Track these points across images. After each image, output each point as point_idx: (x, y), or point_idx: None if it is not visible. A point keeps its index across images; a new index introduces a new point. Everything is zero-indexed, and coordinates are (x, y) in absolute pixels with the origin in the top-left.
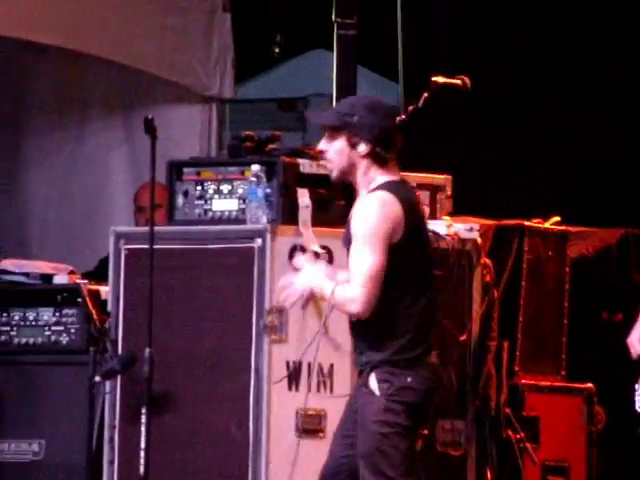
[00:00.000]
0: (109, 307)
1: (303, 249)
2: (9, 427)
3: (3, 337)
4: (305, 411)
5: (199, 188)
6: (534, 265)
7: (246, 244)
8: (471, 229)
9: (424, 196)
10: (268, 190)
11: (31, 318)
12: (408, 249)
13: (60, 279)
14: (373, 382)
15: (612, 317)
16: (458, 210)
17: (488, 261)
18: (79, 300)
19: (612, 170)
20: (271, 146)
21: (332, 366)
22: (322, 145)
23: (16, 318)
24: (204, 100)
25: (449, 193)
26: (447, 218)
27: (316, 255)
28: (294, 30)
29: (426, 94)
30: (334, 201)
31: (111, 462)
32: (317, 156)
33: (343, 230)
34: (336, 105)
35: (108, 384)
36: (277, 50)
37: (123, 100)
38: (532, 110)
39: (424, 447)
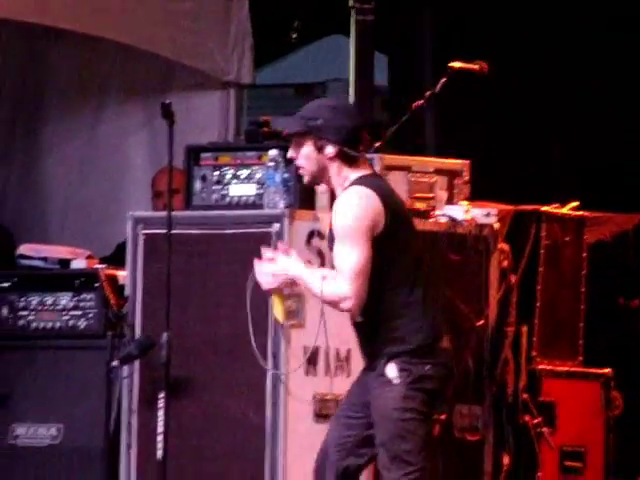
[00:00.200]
0: (127, 292)
1: (320, 234)
2: (27, 411)
3: (21, 322)
4: (322, 396)
5: (217, 173)
6: (551, 250)
7: (264, 229)
8: (488, 214)
9: (442, 181)
10: (286, 175)
11: (49, 303)
12: (393, 239)
13: (78, 264)
14: (392, 371)
15: (629, 302)
16: (476, 195)
17: (505, 246)
18: (97, 285)
19: (630, 155)
20: None
21: (349, 351)
22: (290, 153)
23: (34, 303)
24: (222, 86)
25: (467, 178)
26: (465, 203)
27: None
28: (312, 15)
29: (444, 79)
30: None
31: (129, 446)
32: None
33: None
34: (299, 111)
35: (126, 369)
36: (294, 35)
37: (142, 86)
38: (550, 95)
39: (441, 432)
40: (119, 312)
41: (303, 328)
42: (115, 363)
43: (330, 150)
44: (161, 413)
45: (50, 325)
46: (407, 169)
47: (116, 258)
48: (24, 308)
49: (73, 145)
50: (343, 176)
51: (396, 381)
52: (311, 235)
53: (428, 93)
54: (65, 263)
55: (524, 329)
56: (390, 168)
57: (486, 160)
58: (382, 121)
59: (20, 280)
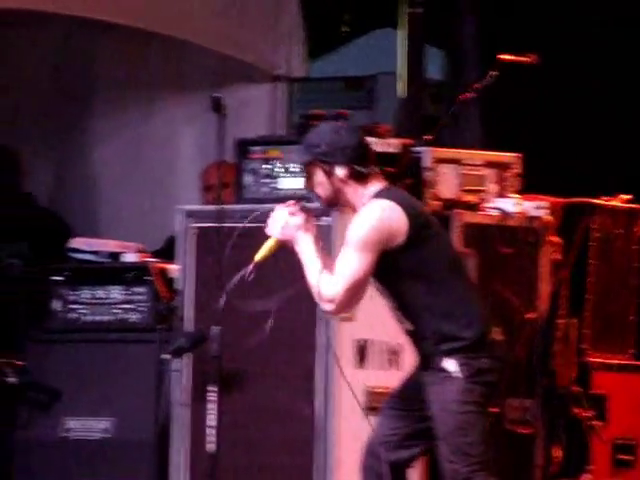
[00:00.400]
0: (177, 285)
1: None
2: (79, 405)
3: (73, 315)
4: (373, 389)
5: (267, 166)
6: (603, 243)
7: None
8: (539, 207)
9: (492, 174)
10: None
11: (100, 296)
12: (421, 245)
13: (129, 257)
14: (451, 366)
15: None
16: (527, 188)
17: (557, 239)
18: (147, 278)
19: None
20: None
21: (399, 344)
22: (305, 184)
23: (85, 296)
24: (272, 79)
25: (517, 171)
26: (516, 196)
27: (304, 209)
28: (362, 8)
29: (494, 71)
30: (401, 179)
31: (179, 439)
32: (385, 134)
33: None
34: (304, 141)
35: (176, 362)
36: (345, 29)
37: (192, 80)
38: (602, 86)
39: (493, 425)
40: (170, 305)
41: (353, 321)
42: (166, 356)
43: (339, 172)
44: (212, 406)
45: (101, 319)
46: (457, 162)
47: (166, 251)
48: (75, 302)
49: (123, 139)
50: (360, 194)
51: (456, 375)
52: None
53: (478, 85)
54: (116, 257)
55: (574, 322)
56: (440, 161)
57: (537, 153)
58: (432, 114)
59: (72, 274)
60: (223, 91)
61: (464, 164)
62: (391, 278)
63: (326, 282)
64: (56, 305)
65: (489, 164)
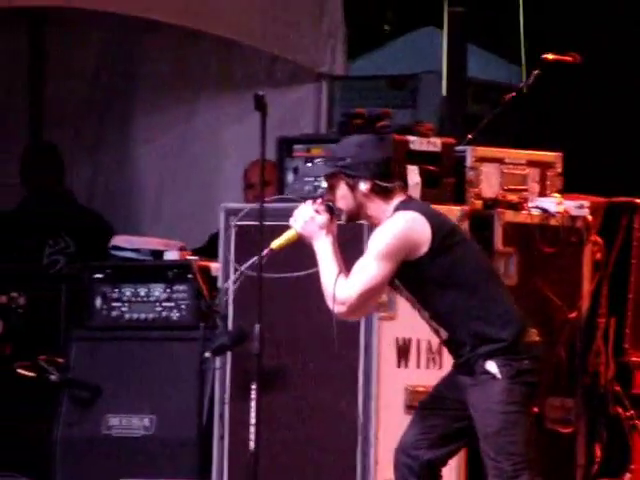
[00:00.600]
0: (219, 283)
1: None
2: (121, 402)
3: (115, 313)
4: (414, 387)
5: (309, 165)
6: None
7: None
8: (581, 206)
9: (534, 173)
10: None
11: (142, 294)
12: (447, 253)
13: (171, 255)
14: (492, 367)
15: None
16: (568, 187)
17: (599, 239)
18: (189, 276)
19: None
20: (381, 123)
21: (440, 343)
22: (327, 196)
23: (127, 294)
24: (315, 77)
25: (559, 170)
26: (557, 195)
27: (330, 210)
28: (405, 7)
29: (537, 71)
30: (444, 178)
31: (221, 437)
32: (427, 133)
33: (453, 207)
34: (328, 153)
35: (218, 360)
36: (388, 27)
37: (236, 78)
38: None
39: (534, 425)
40: (212, 303)
41: (395, 320)
42: (207, 354)
43: (364, 186)
44: (253, 404)
45: (143, 316)
46: (499, 161)
47: (208, 250)
48: (117, 299)
49: (166, 137)
50: (382, 210)
51: (497, 376)
52: None
53: (521, 85)
54: (158, 254)
55: (613, 321)
56: (482, 160)
57: (579, 152)
58: (475, 113)
59: (113, 271)
60: (267, 90)
61: (506, 163)
62: (422, 288)
63: (341, 284)
64: (98, 303)
65: (531, 163)
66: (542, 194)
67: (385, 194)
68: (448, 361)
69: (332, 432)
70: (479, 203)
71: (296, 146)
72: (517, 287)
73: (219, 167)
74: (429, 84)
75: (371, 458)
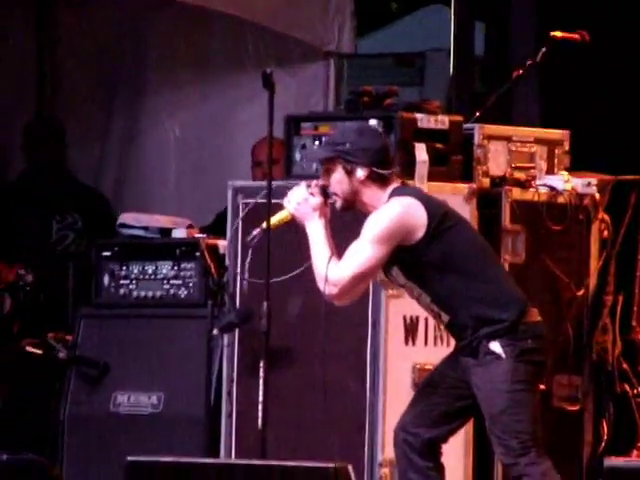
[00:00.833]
0: (227, 261)
1: None
2: (128, 380)
3: (122, 290)
4: (422, 365)
5: (317, 143)
6: None
7: None
8: (589, 184)
9: (542, 151)
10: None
11: (150, 272)
12: (444, 236)
13: (178, 233)
14: (496, 348)
15: None
16: (576, 165)
17: (606, 216)
18: (197, 254)
19: None
20: (388, 101)
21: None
22: (321, 181)
23: (135, 272)
24: (323, 55)
25: (567, 148)
26: (565, 173)
27: (324, 192)
28: None
29: (545, 49)
30: (451, 156)
31: (229, 415)
32: (435, 111)
33: (460, 185)
34: (326, 138)
35: (226, 338)
36: (395, 5)
37: (245, 57)
38: None
39: (541, 402)
40: (220, 281)
41: (402, 298)
42: (215, 332)
43: (361, 173)
44: (261, 382)
45: (151, 294)
46: (507, 139)
47: (216, 227)
48: (125, 277)
49: (177, 117)
50: (377, 197)
51: (501, 356)
52: None
53: (529, 62)
54: (166, 232)
55: (620, 298)
56: (490, 138)
57: (587, 130)
58: (482, 91)
59: (121, 249)
60: (278, 69)
61: (514, 141)
62: (421, 273)
63: (333, 266)
64: (105, 281)
65: (539, 141)
66: (550, 172)
67: (381, 181)
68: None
69: (340, 410)
70: (487, 181)
71: (304, 124)
72: (524, 265)
73: (231, 146)
74: (437, 62)
75: (379, 435)
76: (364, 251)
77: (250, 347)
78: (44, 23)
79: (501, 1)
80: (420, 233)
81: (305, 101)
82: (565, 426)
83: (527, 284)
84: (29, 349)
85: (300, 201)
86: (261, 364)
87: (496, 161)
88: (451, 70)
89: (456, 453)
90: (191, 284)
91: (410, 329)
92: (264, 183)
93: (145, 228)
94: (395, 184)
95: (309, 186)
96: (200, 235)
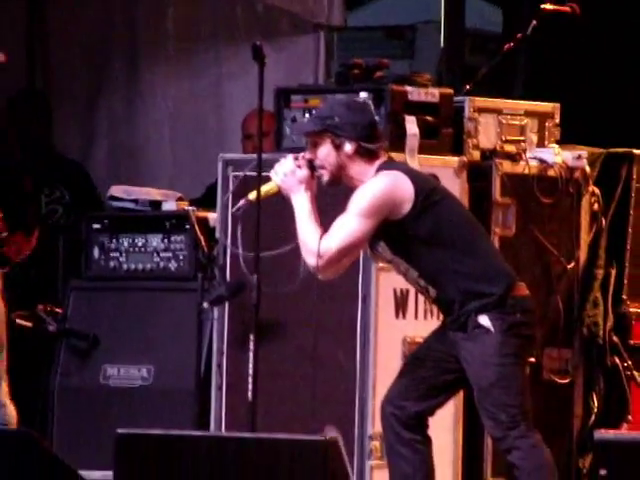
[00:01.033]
0: (217, 234)
1: None
2: (118, 352)
3: (112, 263)
4: (412, 338)
5: (307, 115)
6: None
7: None
8: (579, 157)
9: (532, 124)
10: (376, 118)
11: (140, 244)
12: (430, 211)
13: (168, 206)
14: (486, 321)
15: None
16: (566, 138)
17: (596, 189)
18: (187, 227)
19: None
20: (379, 74)
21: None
22: (308, 154)
23: (125, 244)
24: (313, 28)
25: (557, 121)
26: (555, 146)
27: (311, 165)
28: None
29: (535, 22)
30: (442, 129)
31: (219, 388)
32: (425, 84)
33: (451, 158)
34: (314, 112)
35: (216, 310)
36: None
37: (235, 30)
38: None
39: (531, 375)
40: (210, 254)
41: (392, 271)
42: (205, 305)
43: (349, 147)
44: (251, 355)
45: (141, 267)
46: (498, 112)
47: (206, 200)
48: (115, 250)
49: (169, 90)
50: (364, 171)
51: (492, 329)
52: None
53: (519, 35)
54: (156, 205)
55: (613, 271)
56: (481, 110)
57: (577, 103)
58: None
59: (111, 222)
60: (268, 42)
61: (504, 114)
62: (408, 247)
63: (319, 238)
64: (95, 253)
65: (529, 114)
66: (540, 145)
67: (369, 156)
68: None
69: (330, 382)
70: (477, 154)
71: (294, 97)
72: (515, 238)
73: (223, 119)
74: (427, 34)
75: (369, 408)
76: (351, 224)
77: (240, 320)
78: (34, 1)
79: None
80: (407, 207)
81: (295, 74)
82: (555, 399)
83: (517, 257)
84: (19, 322)
85: (287, 173)
86: (251, 337)
87: (486, 134)
88: (442, 43)
89: (446, 427)
90: (181, 257)
91: (400, 302)
92: (254, 156)
93: (135, 201)
94: (382, 159)
95: (296, 159)
96: (190, 208)
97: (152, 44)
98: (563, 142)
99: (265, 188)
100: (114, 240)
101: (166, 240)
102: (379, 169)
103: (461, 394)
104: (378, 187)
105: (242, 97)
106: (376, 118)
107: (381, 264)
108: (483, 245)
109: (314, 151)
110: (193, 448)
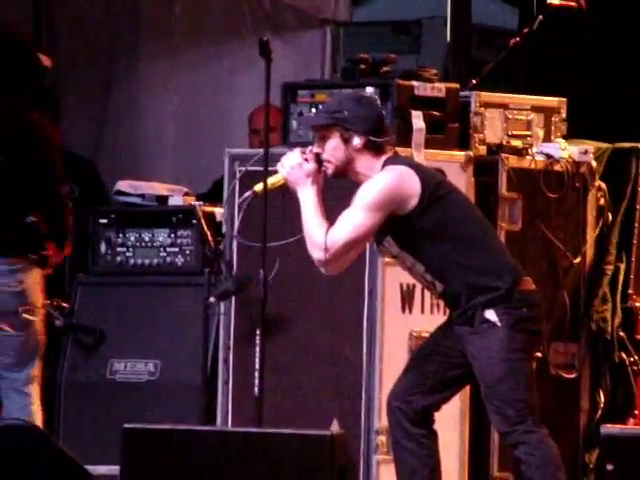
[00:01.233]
0: (224, 229)
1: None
2: (125, 347)
3: (119, 258)
4: (418, 333)
5: (314, 110)
6: None
7: None
8: (586, 152)
9: (539, 119)
10: (382, 112)
11: (147, 239)
12: (437, 205)
13: (175, 200)
14: (493, 316)
15: None
16: (573, 133)
17: (602, 184)
18: (194, 222)
19: None
20: (385, 68)
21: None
22: (316, 148)
23: (132, 239)
24: (320, 23)
25: (564, 116)
26: (561, 141)
27: (318, 159)
28: None
29: (540, 16)
30: (448, 124)
31: (226, 382)
32: (432, 79)
33: (457, 152)
34: (323, 106)
35: (223, 305)
36: None
37: (242, 26)
38: None
39: (537, 370)
40: (216, 249)
41: (399, 266)
42: (212, 300)
43: (357, 141)
44: (257, 350)
45: (147, 262)
46: (504, 106)
47: (213, 195)
48: (122, 244)
49: (174, 84)
50: (371, 165)
51: (497, 324)
52: None
53: (525, 30)
54: (162, 200)
55: (621, 266)
56: (487, 105)
57: (584, 97)
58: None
59: (118, 217)
60: (275, 37)
61: (511, 108)
62: (415, 243)
63: (325, 231)
64: (102, 248)
65: (535, 109)
66: (546, 139)
67: (376, 150)
68: None
69: (337, 377)
70: (483, 149)
71: (301, 92)
72: (521, 232)
73: (229, 113)
74: (433, 29)
75: (375, 403)
76: (357, 217)
77: (247, 315)
78: None
79: None
80: (414, 202)
81: (302, 69)
82: (561, 394)
83: (524, 252)
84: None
85: (294, 166)
86: (258, 332)
87: (493, 129)
88: (448, 37)
89: (452, 422)
90: (188, 252)
91: (407, 297)
92: (261, 151)
93: (142, 196)
94: (389, 154)
95: (304, 152)
96: (197, 202)
97: (157, 37)
98: (569, 137)
99: (271, 180)
100: (121, 235)
101: (173, 235)
102: (385, 164)
103: (467, 389)
104: (385, 181)
105: (247, 91)
106: (382, 113)
107: (387, 259)
108: (490, 239)
109: (322, 145)
110: (200, 443)
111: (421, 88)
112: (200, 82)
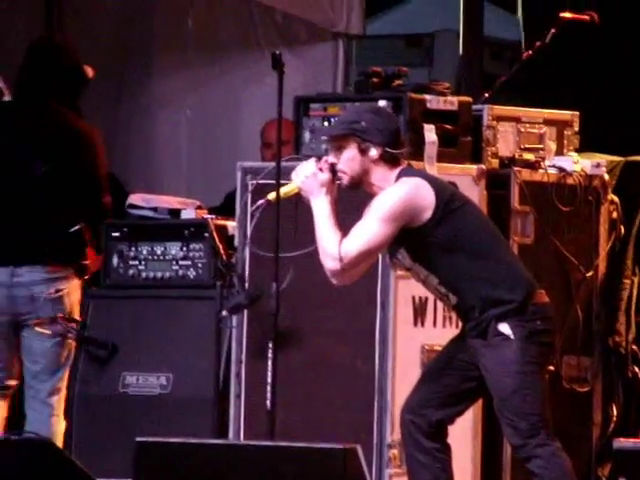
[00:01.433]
0: (236, 242)
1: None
2: (137, 361)
3: (131, 271)
4: (430, 346)
5: (326, 124)
6: None
7: None
8: (598, 165)
9: (551, 132)
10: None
11: (159, 253)
12: (450, 217)
13: (187, 214)
14: (505, 329)
15: None
16: (585, 146)
17: (615, 198)
18: (206, 235)
19: None
20: (398, 82)
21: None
22: (332, 158)
23: (144, 252)
24: (332, 37)
25: (576, 129)
26: (574, 154)
27: (333, 169)
28: None
29: (553, 30)
30: (460, 137)
31: (238, 396)
32: (444, 92)
33: (469, 166)
34: (340, 116)
35: (235, 318)
36: None
37: (254, 39)
38: None
39: (550, 383)
40: (228, 262)
41: (411, 279)
42: (224, 313)
43: (374, 152)
44: (270, 363)
45: (160, 275)
46: (516, 120)
47: (225, 208)
48: (134, 258)
49: (186, 98)
50: (386, 177)
51: (511, 337)
52: None
53: (538, 44)
54: (175, 213)
55: (636, 280)
56: (499, 119)
57: (596, 111)
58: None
59: (130, 230)
60: (287, 50)
61: (523, 122)
62: (429, 255)
63: (339, 241)
64: (114, 261)
65: (548, 122)
66: (559, 153)
67: (392, 162)
68: None
69: (349, 391)
70: (496, 162)
71: (313, 105)
72: (534, 246)
73: (241, 127)
74: (446, 42)
75: (387, 416)
76: (371, 228)
77: (259, 328)
78: (52, 4)
79: None
80: (428, 214)
81: (314, 82)
82: (574, 407)
83: (536, 265)
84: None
85: (308, 175)
86: (270, 345)
87: (505, 142)
88: (460, 51)
89: (465, 435)
90: (200, 265)
91: (419, 310)
92: (273, 164)
93: (154, 209)
94: (402, 166)
95: (319, 162)
96: (209, 216)
97: (170, 51)
98: (582, 150)
99: (285, 189)
100: (133, 248)
101: (185, 248)
102: (399, 175)
103: (480, 402)
104: (400, 193)
105: (259, 105)
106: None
107: (400, 272)
108: (503, 252)
109: (338, 155)
110: (212, 456)
111: (433, 101)
112: (212, 96)
